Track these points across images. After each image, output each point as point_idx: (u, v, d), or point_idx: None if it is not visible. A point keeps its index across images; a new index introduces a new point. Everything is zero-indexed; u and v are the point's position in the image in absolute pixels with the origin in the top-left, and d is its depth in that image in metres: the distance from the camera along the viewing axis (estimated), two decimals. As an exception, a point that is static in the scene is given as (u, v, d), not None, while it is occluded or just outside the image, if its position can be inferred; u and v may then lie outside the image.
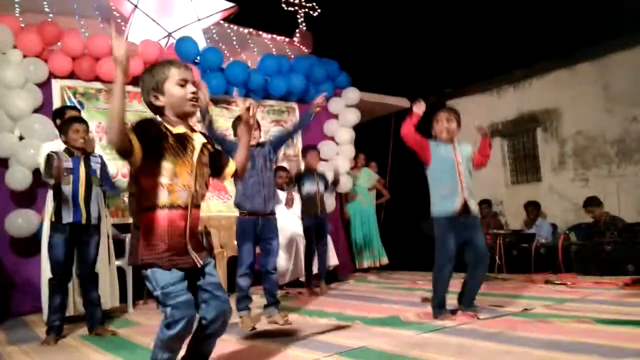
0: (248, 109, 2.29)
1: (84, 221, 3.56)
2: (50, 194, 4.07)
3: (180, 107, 2.02)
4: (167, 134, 1.98)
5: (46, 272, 4.13)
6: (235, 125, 3.72)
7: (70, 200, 3.53)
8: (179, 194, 1.97)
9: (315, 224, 5.42)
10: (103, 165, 3.80)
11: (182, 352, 2.08)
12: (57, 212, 3.53)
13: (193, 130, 2.09)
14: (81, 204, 3.56)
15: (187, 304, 1.90)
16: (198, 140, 2.07)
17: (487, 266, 3.62)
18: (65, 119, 3.76)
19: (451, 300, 3.60)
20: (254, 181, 3.66)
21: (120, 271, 4.74)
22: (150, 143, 1.91)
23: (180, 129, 2.02)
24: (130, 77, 5.52)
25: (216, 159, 2.20)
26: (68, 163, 3.57)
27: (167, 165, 1.95)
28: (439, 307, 3.47)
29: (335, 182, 5.67)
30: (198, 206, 2.06)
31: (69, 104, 5.40)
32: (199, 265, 2.01)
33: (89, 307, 3.69)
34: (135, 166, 1.92)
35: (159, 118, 2.05)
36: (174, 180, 1.96)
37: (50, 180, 3.59)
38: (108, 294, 4.42)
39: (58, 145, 3.81)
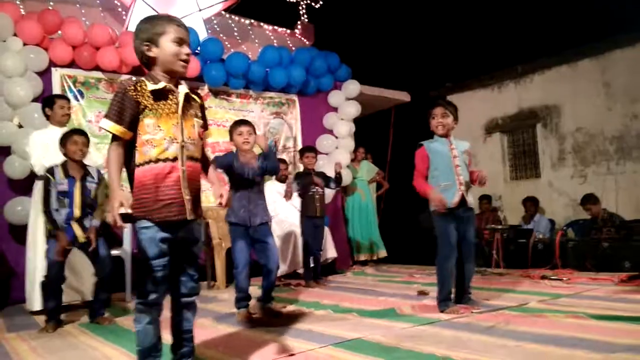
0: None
1: (81, 240, 3.56)
2: (39, 184, 4.02)
3: (171, 63, 2.03)
4: (143, 94, 1.99)
5: (32, 262, 4.17)
6: (231, 131, 3.73)
7: (64, 222, 3.52)
8: (164, 147, 2.00)
9: (314, 226, 5.35)
10: (99, 184, 3.72)
11: (170, 340, 2.16)
12: (53, 231, 3.52)
13: (177, 85, 2.10)
14: (74, 226, 3.55)
15: (163, 279, 2.02)
16: (182, 91, 2.09)
17: (474, 258, 3.65)
18: (65, 132, 3.68)
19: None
20: (240, 196, 3.63)
21: (119, 260, 4.76)
22: (130, 111, 1.97)
23: (160, 84, 2.03)
24: (130, 67, 5.58)
25: (203, 113, 2.23)
26: (63, 186, 3.54)
27: (148, 121, 1.99)
28: (445, 300, 3.47)
29: (338, 179, 5.61)
30: (193, 158, 2.10)
31: (68, 93, 5.42)
32: (189, 218, 2.05)
33: (95, 304, 3.71)
34: (127, 138, 2.01)
35: (140, 78, 2.05)
36: (158, 134, 1.99)
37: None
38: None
39: (54, 150, 3.77)
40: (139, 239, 2.02)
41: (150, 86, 2.00)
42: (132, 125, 1.98)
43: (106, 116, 1.97)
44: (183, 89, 2.09)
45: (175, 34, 2.02)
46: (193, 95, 2.16)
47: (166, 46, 2.01)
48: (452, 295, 3.56)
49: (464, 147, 3.67)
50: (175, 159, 2.01)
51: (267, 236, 3.71)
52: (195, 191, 2.10)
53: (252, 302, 3.71)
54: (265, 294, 3.73)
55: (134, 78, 2.07)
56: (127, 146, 2.02)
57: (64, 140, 3.60)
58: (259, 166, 3.70)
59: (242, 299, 3.63)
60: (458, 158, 3.56)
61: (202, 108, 2.23)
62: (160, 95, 2.02)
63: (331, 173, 5.61)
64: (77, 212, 3.56)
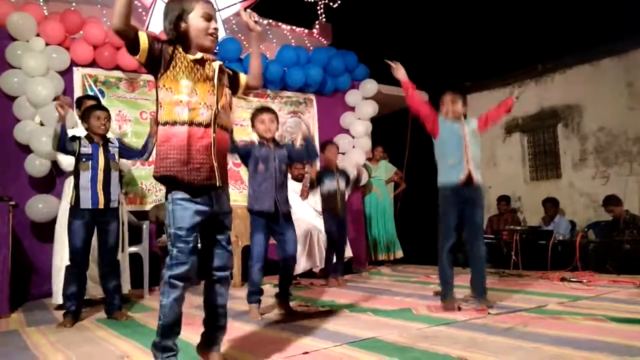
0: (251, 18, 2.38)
1: (102, 206, 3.62)
2: (69, 179, 4.19)
3: (199, 38, 2.08)
4: (180, 58, 2.04)
5: (58, 257, 4.25)
6: (253, 118, 3.74)
7: (89, 186, 3.59)
8: (199, 112, 2.03)
9: (337, 223, 5.35)
10: (121, 145, 3.86)
11: (195, 335, 2.19)
12: (76, 198, 3.60)
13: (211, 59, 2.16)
14: (99, 190, 3.62)
15: (193, 250, 2.02)
16: (216, 63, 2.15)
17: (482, 242, 3.62)
18: (87, 107, 3.83)
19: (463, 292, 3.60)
20: (267, 185, 3.60)
21: (137, 257, 4.82)
22: (156, 53, 1.99)
23: (198, 54, 2.08)
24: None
25: (234, 78, 2.30)
26: (87, 149, 3.64)
27: (185, 83, 2.02)
28: (443, 291, 3.56)
29: (358, 180, 5.63)
30: (224, 127, 2.13)
31: (89, 92, 5.50)
32: (218, 184, 2.07)
33: (108, 295, 3.76)
34: (140, 62, 2.01)
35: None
36: (194, 98, 2.02)
37: (60, 139, 3.55)
38: (122, 280, 4.51)
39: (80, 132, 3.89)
40: (171, 209, 2.02)
41: (190, 56, 2.06)
42: (151, 55, 1.99)
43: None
44: (217, 62, 2.16)
45: (202, 9, 2.08)
46: (227, 69, 2.24)
47: (195, 21, 2.07)
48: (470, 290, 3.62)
49: (473, 125, 3.71)
50: (208, 125, 2.04)
51: (288, 229, 3.71)
52: (223, 159, 2.13)
53: (267, 301, 3.72)
54: (282, 288, 3.74)
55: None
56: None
57: (86, 116, 3.70)
58: (285, 154, 3.71)
59: (253, 293, 3.63)
60: (468, 136, 3.61)
61: (234, 75, 2.32)
62: (197, 62, 2.07)
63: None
64: (100, 175, 3.63)
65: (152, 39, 2.00)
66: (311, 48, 7.26)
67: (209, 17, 2.09)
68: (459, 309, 3.47)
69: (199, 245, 2.12)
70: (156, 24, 6.03)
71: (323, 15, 7.97)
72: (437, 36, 9.38)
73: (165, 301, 2.02)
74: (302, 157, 3.91)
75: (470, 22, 9.22)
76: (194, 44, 2.09)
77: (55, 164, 4.91)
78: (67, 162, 4.23)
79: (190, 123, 2.01)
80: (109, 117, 3.78)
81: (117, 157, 3.79)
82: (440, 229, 3.59)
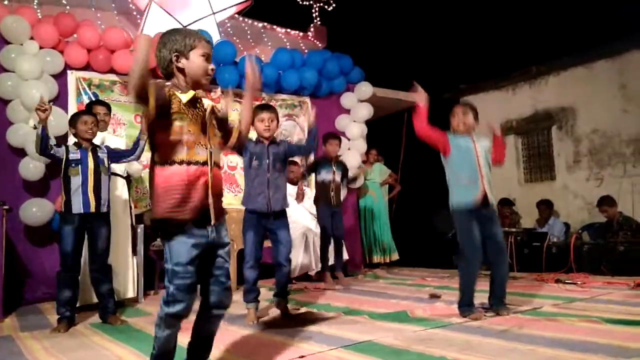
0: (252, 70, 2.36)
1: (93, 209, 3.62)
2: None
3: (198, 76, 2.07)
4: (175, 100, 2.02)
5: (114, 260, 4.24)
6: (253, 116, 3.72)
7: (79, 191, 3.59)
8: (197, 150, 2.02)
9: (331, 214, 5.40)
10: (111, 150, 3.88)
11: (188, 338, 2.14)
12: (67, 203, 3.59)
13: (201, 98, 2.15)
14: (90, 194, 3.62)
15: (190, 288, 1.96)
16: (207, 102, 2.13)
17: (507, 260, 3.55)
18: (75, 112, 3.83)
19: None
20: (259, 181, 3.61)
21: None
22: (162, 101, 1.97)
23: (189, 94, 2.06)
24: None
25: (223, 123, 2.25)
26: (76, 154, 3.64)
27: (179, 123, 2.00)
28: (468, 305, 3.35)
29: (355, 178, 5.68)
30: (218, 165, 2.12)
31: (84, 95, 5.49)
32: (212, 222, 2.03)
33: (101, 299, 3.75)
34: (149, 117, 1.96)
35: (168, 84, 2.08)
36: (190, 137, 2.01)
37: (41, 141, 3.52)
38: (129, 283, 4.56)
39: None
40: (167, 244, 1.98)
41: (183, 97, 2.03)
42: (159, 106, 1.96)
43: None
44: (208, 101, 2.14)
45: (203, 49, 2.07)
46: (216, 109, 2.20)
47: (196, 60, 2.05)
48: (487, 300, 3.48)
49: (486, 145, 3.59)
50: (205, 163, 2.03)
51: (281, 228, 3.70)
52: (219, 197, 2.10)
53: (264, 304, 3.71)
54: (279, 288, 3.74)
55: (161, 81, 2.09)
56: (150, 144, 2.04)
57: (73, 121, 3.70)
58: (281, 150, 3.72)
59: (247, 292, 3.61)
60: (481, 156, 3.49)
61: (222, 117, 2.26)
62: (191, 103, 2.05)
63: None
64: (91, 179, 3.63)
65: (157, 89, 1.95)
66: (306, 51, 7.27)
67: (209, 58, 2.10)
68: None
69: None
70: (150, 27, 6.01)
71: (318, 18, 7.99)
72: (432, 39, 9.41)
73: (160, 334, 1.99)
74: (299, 150, 3.97)
75: (465, 24, 9.26)
76: (190, 80, 2.07)
77: (48, 167, 4.88)
78: (135, 167, 4.33)
79: (189, 162, 1.99)
80: (96, 122, 3.78)
81: (106, 161, 3.79)
82: (465, 247, 3.39)
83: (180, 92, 2.05)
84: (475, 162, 3.46)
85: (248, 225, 3.68)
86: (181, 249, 1.96)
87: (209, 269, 2.08)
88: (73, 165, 3.61)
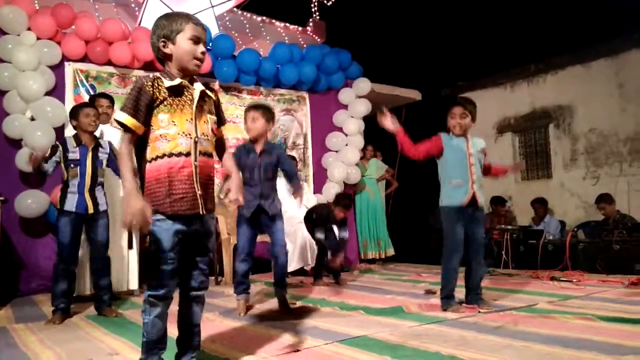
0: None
1: (91, 211, 3.61)
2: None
3: (185, 61, 2.03)
4: (159, 90, 1.99)
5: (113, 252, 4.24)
6: (244, 115, 3.73)
7: (76, 192, 3.58)
8: (178, 142, 2.00)
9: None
10: (111, 153, 3.79)
11: (176, 333, 2.15)
12: (62, 201, 3.58)
13: (193, 82, 2.10)
14: (86, 195, 3.60)
15: (172, 273, 2.01)
16: (198, 88, 2.09)
17: (482, 258, 3.62)
18: (77, 104, 3.80)
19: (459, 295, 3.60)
20: (251, 192, 3.58)
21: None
22: (146, 111, 1.98)
23: (176, 80, 2.02)
24: (142, 62, 5.61)
25: (218, 109, 2.23)
26: (75, 154, 3.60)
27: (162, 116, 1.99)
28: (447, 298, 3.47)
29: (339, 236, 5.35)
30: (206, 154, 2.09)
31: (81, 87, 5.47)
32: (201, 212, 2.05)
33: (99, 291, 3.74)
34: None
35: (157, 74, 2.05)
36: (171, 130, 1.99)
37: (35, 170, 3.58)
38: (124, 277, 4.56)
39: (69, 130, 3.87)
40: (152, 231, 2.00)
41: (167, 82, 2.01)
42: (147, 120, 1.99)
43: (122, 109, 1.97)
44: (199, 86, 2.10)
45: (191, 32, 2.03)
46: (208, 92, 2.16)
47: (182, 44, 2.02)
48: (456, 294, 3.54)
49: (480, 145, 3.62)
50: (188, 154, 2.02)
51: (276, 221, 3.71)
52: (207, 186, 2.10)
53: (256, 298, 3.71)
54: (277, 278, 3.75)
55: (150, 74, 2.06)
56: (140, 142, 2.03)
57: (75, 113, 3.65)
58: (274, 161, 3.70)
59: (239, 284, 3.63)
60: (473, 157, 3.53)
61: (218, 104, 2.24)
62: (175, 91, 2.03)
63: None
64: (88, 181, 3.61)
65: (136, 107, 1.96)
66: (305, 46, 7.25)
67: (198, 40, 2.04)
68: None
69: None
70: (148, 19, 5.99)
71: (317, 13, 7.97)
72: (431, 35, 9.40)
73: (147, 319, 2.00)
74: (289, 177, 3.85)
75: (464, 21, 9.25)
76: (178, 66, 2.04)
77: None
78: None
79: (170, 154, 1.99)
80: (97, 115, 3.75)
81: (104, 163, 3.74)
82: (446, 244, 3.49)
83: (167, 79, 2.03)
84: (467, 164, 3.51)
85: (240, 220, 3.70)
86: (164, 235, 1.98)
87: (192, 256, 2.11)
88: (72, 165, 3.58)
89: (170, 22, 2.03)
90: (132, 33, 5.68)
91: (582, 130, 7.68)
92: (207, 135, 2.11)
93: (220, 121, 2.24)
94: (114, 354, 2.59)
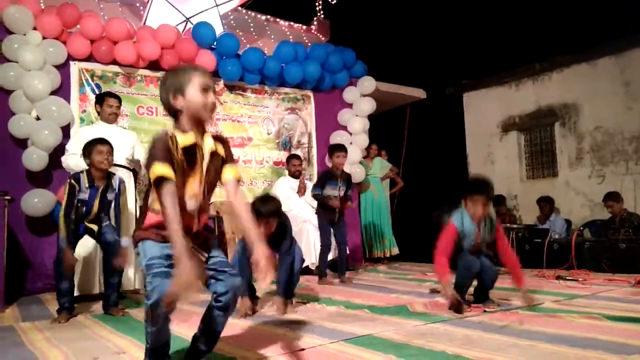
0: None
1: (95, 229, 3.70)
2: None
3: (198, 112, 1.99)
4: (176, 149, 1.95)
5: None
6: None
7: (77, 224, 3.65)
8: (186, 204, 1.99)
9: (335, 230, 5.26)
10: (119, 195, 3.81)
11: (194, 330, 2.16)
12: (65, 227, 3.55)
13: (204, 134, 2.06)
14: (89, 224, 3.69)
15: (165, 274, 1.91)
16: (208, 147, 2.04)
17: (495, 273, 3.61)
18: (89, 141, 3.70)
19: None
20: None
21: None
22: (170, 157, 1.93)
23: (189, 138, 1.98)
24: (147, 62, 5.62)
25: (228, 154, 2.16)
26: (85, 195, 3.61)
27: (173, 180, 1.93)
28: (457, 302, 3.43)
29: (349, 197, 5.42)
30: (206, 210, 2.11)
31: (86, 86, 5.49)
32: (203, 259, 2.06)
33: (107, 290, 3.76)
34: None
35: (169, 129, 2.01)
36: (181, 192, 1.96)
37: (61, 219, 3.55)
38: (130, 276, 4.59)
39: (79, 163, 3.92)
40: (141, 248, 1.99)
41: (181, 140, 1.96)
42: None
43: (154, 160, 1.88)
44: (209, 144, 2.05)
45: (199, 81, 1.99)
46: (218, 147, 2.10)
47: (193, 96, 1.98)
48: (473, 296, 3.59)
49: (489, 228, 3.58)
50: (191, 214, 2.02)
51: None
52: (203, 236, 2.11)
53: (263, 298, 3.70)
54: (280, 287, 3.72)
55: (163, 130, 2.00)
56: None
57: (88, 150, 3.63)
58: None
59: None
60: (480, 238, 3.55)
61: (228, 150, 2.16)
62: (188, 152, 1.98)
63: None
64: (91, 216, 3.69)
65: (167, 157, 1.89)
66: (309, 44, 7.25)
67: (207, 89, 2.00)
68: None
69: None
70: (153, 18, 6.00)
71: (321, 12, 7.97)
72: (435, 34, 9.38)
73: (150, 329, 1.97)
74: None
75: (469, 20, 9.22)
76: (190, 117, 2.00)
77: (51, 157, 4.91)
78: (73, 163, 4.24)
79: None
80: (111, 151, 3.71)
81: (112, 204, 3.77)
82: (460, 277, 3.49)
83: (180, 134, 1.98)
84: (473, 242, 3.52)
85: None
86: (154, 249, 1.97)
87: (207, 270, 2.07)
88: (79, 205, 3.61)
89: (178, 75, 2.01)
90: (137, 32, 5.69)
91: (588, 129, 7.65)
92: (211, 194, 2.13)
93: (229, 162, 2.15)
94: (120, 353, 2.60)
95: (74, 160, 4.26)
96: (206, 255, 2.08)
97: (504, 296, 3.88)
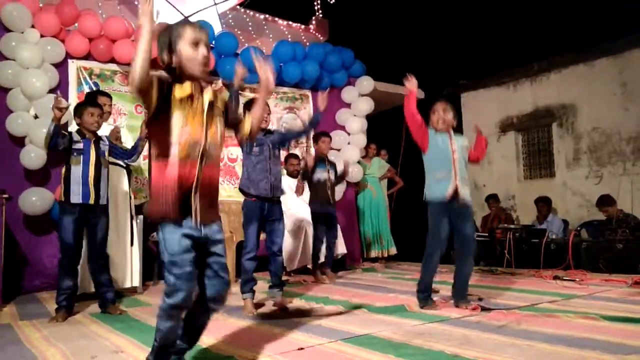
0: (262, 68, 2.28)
1: (92, 201, 3.62)
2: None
3: (189, 68, 1.99)
4: (174, 94, 1.97)
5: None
6: (246, 107, 3.73)
7: (80, 181, 3.59)
8: (189, 149, 1.97)
9: (325, 213, 5.40)
10: (111, 144, 3.89)
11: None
12: (66, 192, 3.58)
13: (202, 90, 2.07)
14: (90, 185, 3.62)
15: (190, 276, 1.93)
16: (207, 97, 2.06)
17: (473, 255, 3.67)
18: (81, 102, 3.81)
19: (446, 292, 3.67)
20: (261, 167, 3.69)
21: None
22: (163, 95, 1.94)
23: (186, 89, 2.00)
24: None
25: (229, 112, 2.21)
26: (79, 144, 3.63)
27: (176, 121, 1.96)
28: (423, 292, 3.54)
29: (344, 174, 5.67)
30: (212, 163, 2.06)
31: (84, 85, 5.47)
32: (196, 225, 1.98)
33: (100, 289, 3.75)
34: (150, 111, 1.94)
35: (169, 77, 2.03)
36: (183, 136, 1.96)
37: (52, 138, 3.49)
38: (127, 274, 4.55)
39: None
40: (161, 237, 1.96)
41: (178, 92, 1.98)
42: (160, 99, 1.93)
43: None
44: (208, 95, 2.06)
45: (190, 36, 1.99)
46: (218, 101, 2.13)
47: (184, 50, 1.98)
48: (451, 294, 3.63)
49: (463, 142, 3.71)
50: (195, 162, 1.98)
51: (279, 219, 3.78)
52: (210, 196, 2.06)
53: (261, 296, 3.71)
54: (275, 278, 3.78)
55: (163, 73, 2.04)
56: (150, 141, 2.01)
57: (80, 112, 3.67)
58: (277, 138, 3.83)
59: (246, 282, 3.65)
60: (457, 152, 3.60)
61: (228, 103, 2.23)
62: (186, 98, 2.00)
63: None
64: (92, 170, 3.63)
65: (159, 81, 1.92)
66: (307, 44, 7.25)
67: (197, 43, 2.00)
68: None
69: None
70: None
71: (320, 11, 7.96)
72: (434, 34, 9.39)
73: (162, 326, 1.97)
74: (297, 133, 4.17)
75: (467, 20, 9.23)
76: (186, 73, 2.01)
77: (49, 156, 4.89)
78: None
79: (179, 159, 1.95)
80: (101, 114, 3.78)
81: (107, 154, 3.79)
82: (430, 239, 3.55)
83: (179, 86, 1.99)
84: (450, 159, 3.58)
85: (250, 216, 3.72)
86: (173, 238, 1.94)
87: (206, 264, 2.06)
88: (75, 154, 3.61)
89: (169, 31, 2.01)
90: (135, 31, 5.68)
91: (585, 129, 7.67)
92: (216, 143, 2.09)
93: (237, 122, 2.27)
94: (118, 352, 2.60)
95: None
96: (198, 222, 2.00)
97: (499, 296, 3.88)
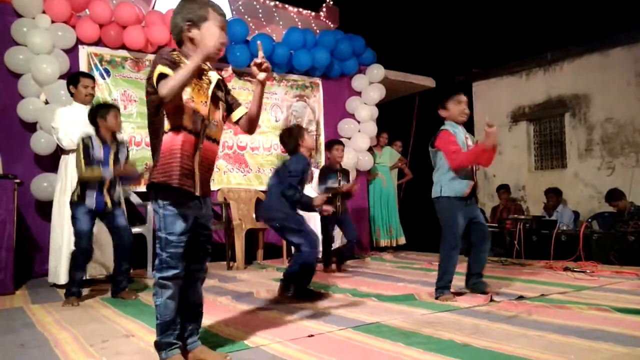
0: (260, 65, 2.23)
1: (108, 207, 3.66)
2: (65, 160, 4.29)
3: (209, 47, 2.00)
4: (183, 64, 2.00)
5: (58, 237, 4.27)
6: None
7: (95, 190, 3.60)
8: (195, 119, 2.05)
9: (337, 221, 5.25)
10: (127, 155, 3.87)
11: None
12: (81, 196, 3.58)
13: (208, 71, 2.16)
14: (105, 193, 3.65)
15: (182, 256, 2.05)
16: (214, 75, 2.16)
17: (489, 243, 3.68)
18: (101, 104, 3.76)
19: (459, 282, 3.66)
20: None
21: (141, 237, 4.83)
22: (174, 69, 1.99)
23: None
24: (155, 47, 5.60)
25: (228, 98, 2.28)
26: (99, 153, 3.61)
27: (187, 89, 2.01)
28: (442, 288, 3.46)
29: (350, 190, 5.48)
30: (213, 139, 2.15)
31: (95, 71, 5.47)
32: (197, 194, 2.08)
33: (119, 276, 3.78)
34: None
35: (176, 52, 2.07)
36: (191, 105, 2.04)
37: (83, 173, 3.55)
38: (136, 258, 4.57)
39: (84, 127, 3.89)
40: (162, 214, 2.03)
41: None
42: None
43: (158, 64, 1.96)
44: (215, 74, 2.16)
45: (219, 20, 2.09)
46: (224, 84, 2.24)
47: (211, 30, 2.05)
48: (464, 283, 3.65)
49: (472, 139, 3.66)
50: (197, 134, 2.07)
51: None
52: (207, 170, 2.15)
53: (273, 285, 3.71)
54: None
55: (167, 48, 2.09)
56: (158, 112, 2.03)
57: (103, 113, 3.64)
58: None
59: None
60: (471, 147, 3.54)
61: (230, 93, 2.32)
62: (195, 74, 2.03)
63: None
64: (108, 181, 3.64)
65: (170, 66, 1.97)
66: (318, 31, 7.20)
67: (223, 27, 2.11)
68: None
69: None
70: (162, 3, 5.97)
71: (331, -2, 7.89)
72: (445, 22, 9.29)
73: (159, 301, 2.04)
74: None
75: (480, 8, 9.12)
76: (198, 49, 2.03)
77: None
78: (67, 141, 4.22)
79: (187, 129, 2.03)
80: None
81: (122, 163, 3.75)
82: (448, 237, 3.46)
83: (186, 59, 2.04)
84: (465, 145, 3.52)
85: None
86: (176, 220, 2.03)
87: (198, 237, 2.16)
88: (95, 163, 3.57)
89: (199, 7, 2.08)
90: (146, 17, 5.66)
91: (598, 120, 7.58)
92: (218, 123, 2.18)
93: (232, 107, 2.30)
94: (129, 336, 2.62)
95: (68, 139, 4.20)
96: (199, 193, 2.09)
97: (509, 286, 3.86)
